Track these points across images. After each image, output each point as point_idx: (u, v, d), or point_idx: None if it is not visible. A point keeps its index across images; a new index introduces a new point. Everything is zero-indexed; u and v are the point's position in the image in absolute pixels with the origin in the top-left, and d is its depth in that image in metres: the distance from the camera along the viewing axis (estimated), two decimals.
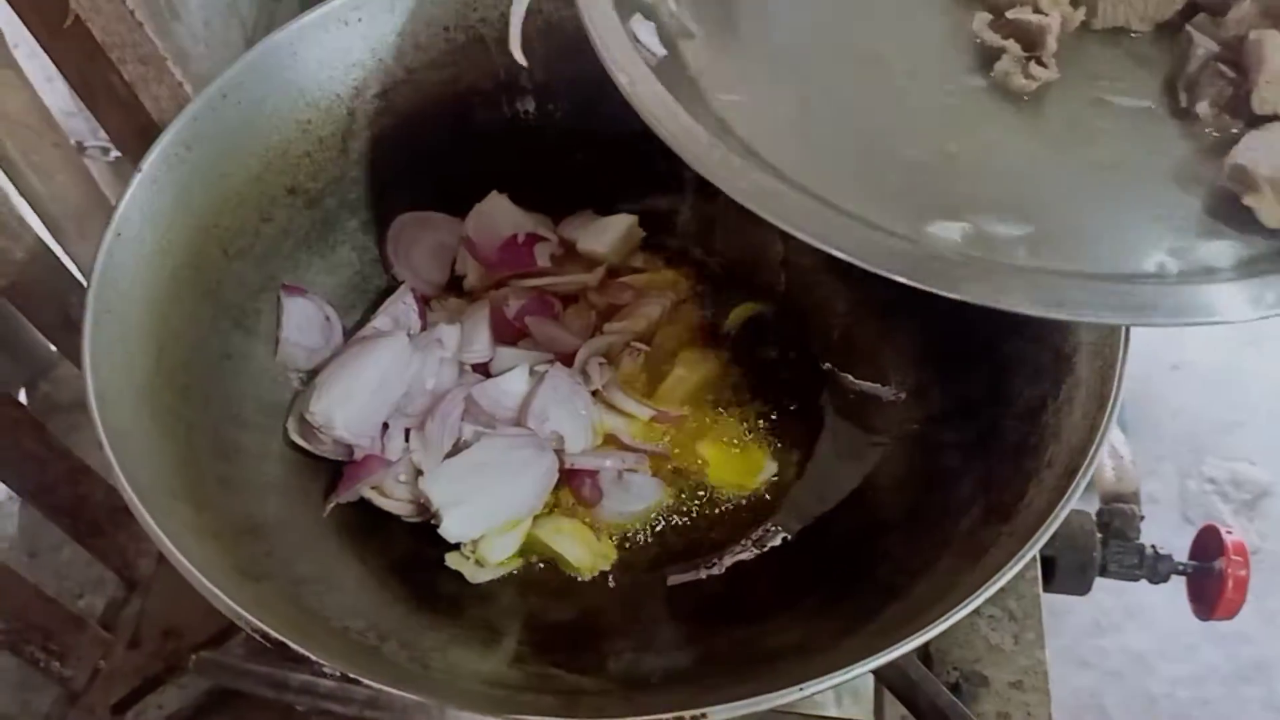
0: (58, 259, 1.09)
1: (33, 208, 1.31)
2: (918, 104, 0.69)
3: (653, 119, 0.64)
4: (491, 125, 1.01)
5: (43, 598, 1.03)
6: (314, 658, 0.59)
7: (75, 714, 1.01)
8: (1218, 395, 2.08)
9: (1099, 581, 0.96)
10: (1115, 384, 0.69)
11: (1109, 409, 0.68)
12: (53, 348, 1.53)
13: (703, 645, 0.80)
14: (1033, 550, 0.63)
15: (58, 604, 1.04)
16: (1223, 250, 0.59)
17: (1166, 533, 1.19)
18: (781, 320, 0.98)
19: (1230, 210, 0.60)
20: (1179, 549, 0.99)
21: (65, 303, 1.11)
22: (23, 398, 1.70)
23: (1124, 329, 0.71)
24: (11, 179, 1.27)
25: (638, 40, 0.69)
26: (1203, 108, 0.66)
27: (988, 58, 0.70)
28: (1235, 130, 0.64)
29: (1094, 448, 0.67)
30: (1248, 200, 0.59)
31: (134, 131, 1.10)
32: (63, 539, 1.15)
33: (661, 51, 0.70)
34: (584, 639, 0.80)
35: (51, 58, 1.09)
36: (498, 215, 0.98)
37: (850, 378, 0.93)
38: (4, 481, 1.02)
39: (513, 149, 1.02)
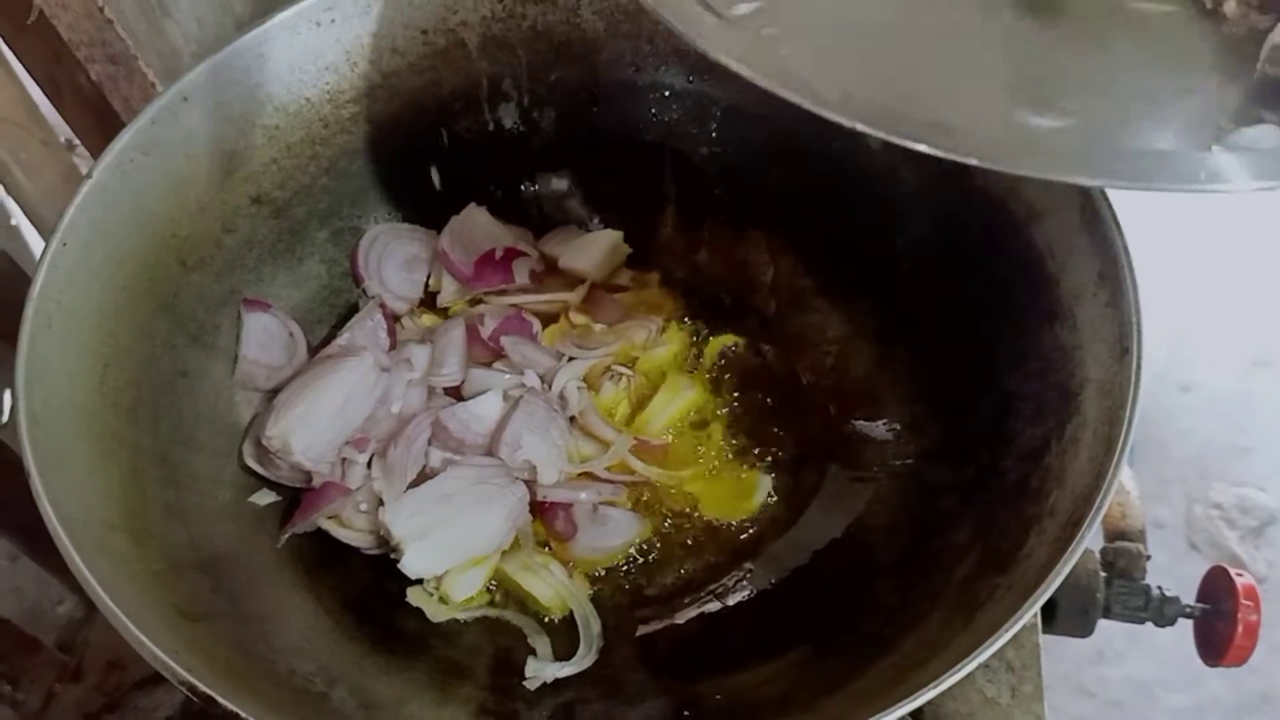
0: (15, 264, 1.04)
1: (20, 207, 1.27)
2: (946, 20, 0.67)
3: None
4: (472, 134, 0.96)
5: None
6: (243, 714, 0.55)
7: None
8: (1227, 419, 2.04)
9: None
10: (1124, 427, 0.64)
11: (1117, 454, 0.63)
12: None
13: (679, 695, 0.74)
14: (1032, 610, 0.58)
15: (10, 624, 1.00)
16: (1265, 134, 0.58)
17: (1172, 560, 1.14)
18: (772, 347, 0.93)
19: (1272, 93, 0.60)
20: (1184, 576, 0.94)
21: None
22: (8, 400, 1.66)
23: (1134, 369, 0.65)
24: None
25: None
26: (1230, 7, 0.65)
27: None
28: (1264, 25, 0.63)
29: (1100, 496, 0.62)
30: None
31: (101, 133, 1.06)
32: None
33: None
34: (552, 684, 0.75)
35: (16, 55, 1.05)
36: (475, 228, 0.93)
37: (843, 411, 0.88)
38: None
39: (494, 159, 0.98)
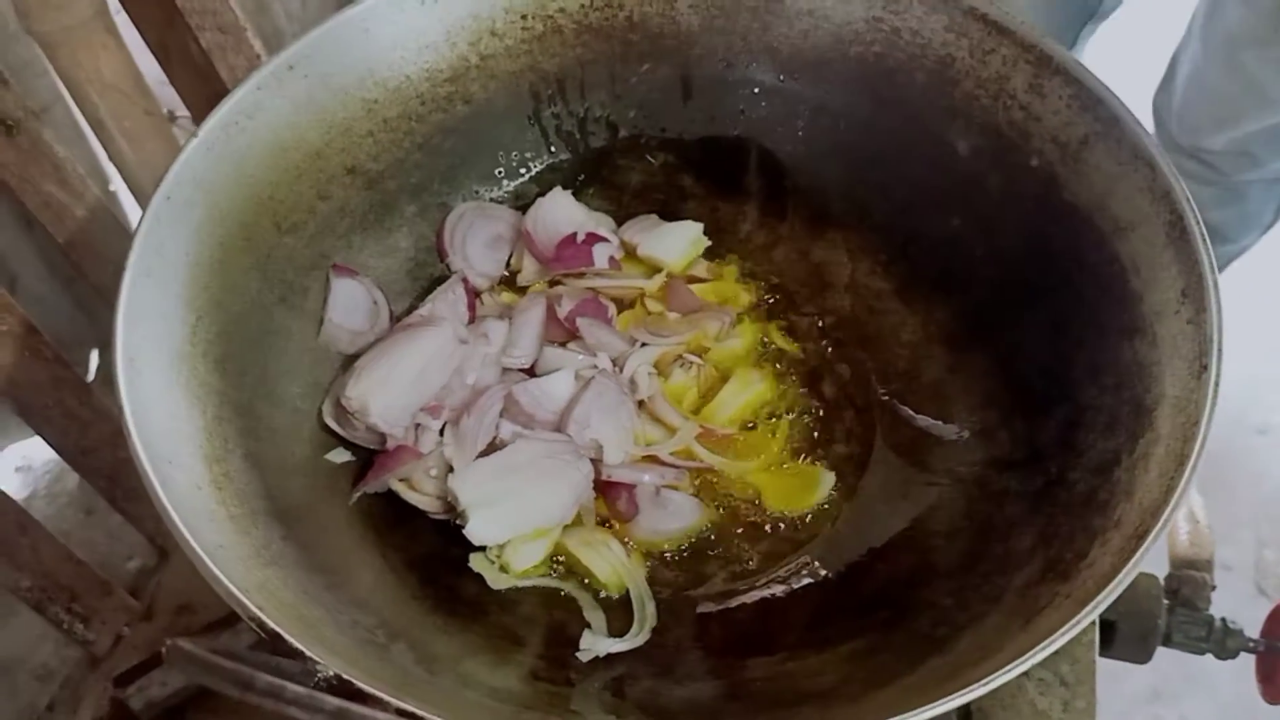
0: (118, 220, 1.09)
1: (120, 173, 1.32)
2: None
3: None
4: (562, 119, 0.98)
5: (72, 559, 1.03)
6: (309, 652, 0.57)
7: (93, 679, 1.00)
8: None
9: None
10: (1198, 443, 0.63)
11: (1188, 469, 0.63)
12: None
13: (728, 679, 0.75)
14: (1090, 616, 0.58)
15: (86, 566, 1.03)
16: None
17: (1238, 604, 1.12)
18: (845, 346, 0.93)
19: None
20: (1250, 622, 0.93)
21: (122, 265, 1.10)
22: (95, 358, 1.73)
23: (1212, 386, 0.65)
24: (102, 143, 1.28)
25: None
26: None
27: None
28: None
29: (1169, 510, 0.62)
30: None
31: (206, 99, 1.10)
32: None
33: None
34: (604, 659, 0.76)
35: (131, 19, 1.09)
36: (559, 212, 0.95)
37: (911, 411, 0.88)
38: (45, 440, 1.02)
39: (582, 145, 0.99)
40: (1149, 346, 0.72)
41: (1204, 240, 0.70)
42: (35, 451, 1.93)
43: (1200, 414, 0.64)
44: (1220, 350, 0.66)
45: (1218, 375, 0.65)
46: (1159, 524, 0.61)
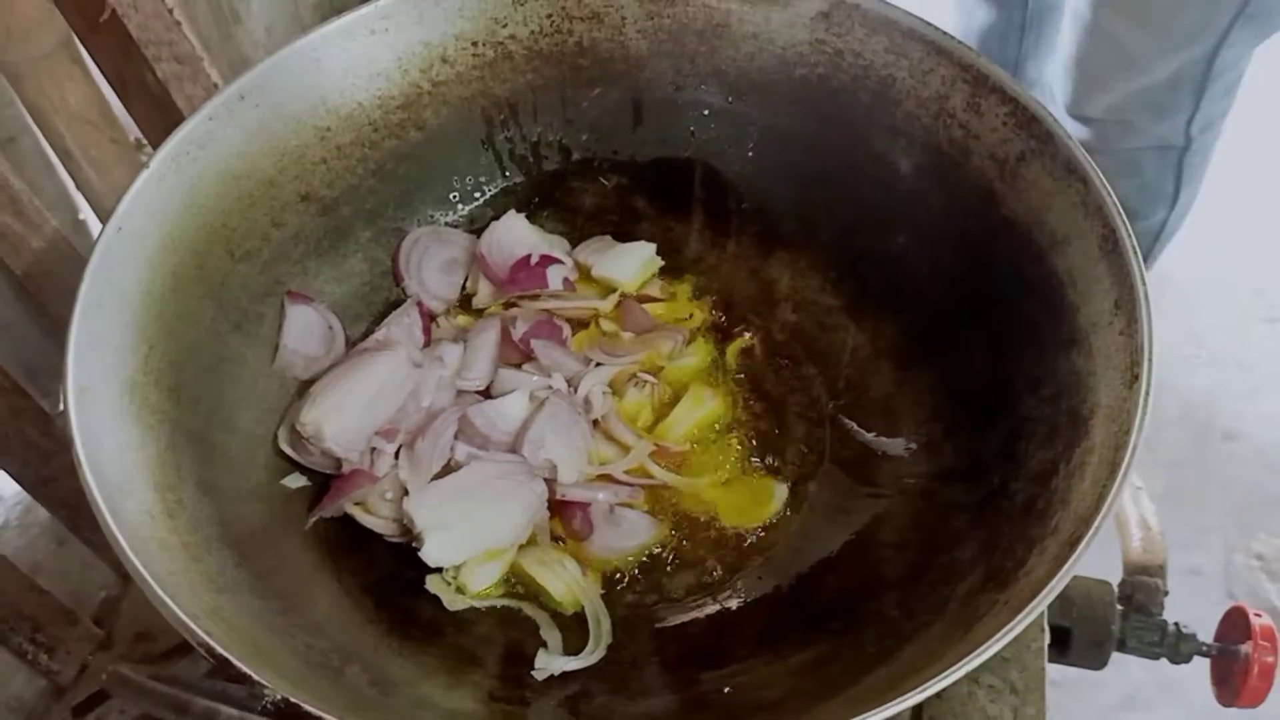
0: (78, 251, 1.09)
1: (89, 202, 1.33)
2: None
3: None
4: (515, 143, 0.99)
5: (35, 589, 1.03)
6: (255, 676, 0.57)
7: (57, 709, 1.00)
8: (1274, 470, 2.01)
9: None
10: (1129, 451, 0.65)
11: (1119, 477, 0.64)
12: None
13: (682, 693, 0.76)
14: (1024, 622, 0.60)
15: (50, 596, 1.03)
16: None
17: (1208, 609, 1.14)
18: (794, 362, 0.94)
19: None
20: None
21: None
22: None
23: (1143, 395, 0.66)
24: (69, 172, 1.29)
25: None
26: None
27: None
28: None
29: (1100, 517, 0.63)
30: None
31: (164, 129, 1.10)
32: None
33: None
34: (560, 677, 0.77)
35: (88, 50, 1.10)
36: (513, 234, 0.96)
37: (859, 426, 0.89)
38: (5, 470, 1.02)
39: (535, 169, 1.00)
40: (1085, 357, 0.73)
41: (1135, 253, 0.71)
42: (6, 483, 1.92)
43: (1132, 423, 0.66)
44: (1151, 360, 0.68)
45: (1148, 385, 0.67)
46: (1091, 531, 0.62)
